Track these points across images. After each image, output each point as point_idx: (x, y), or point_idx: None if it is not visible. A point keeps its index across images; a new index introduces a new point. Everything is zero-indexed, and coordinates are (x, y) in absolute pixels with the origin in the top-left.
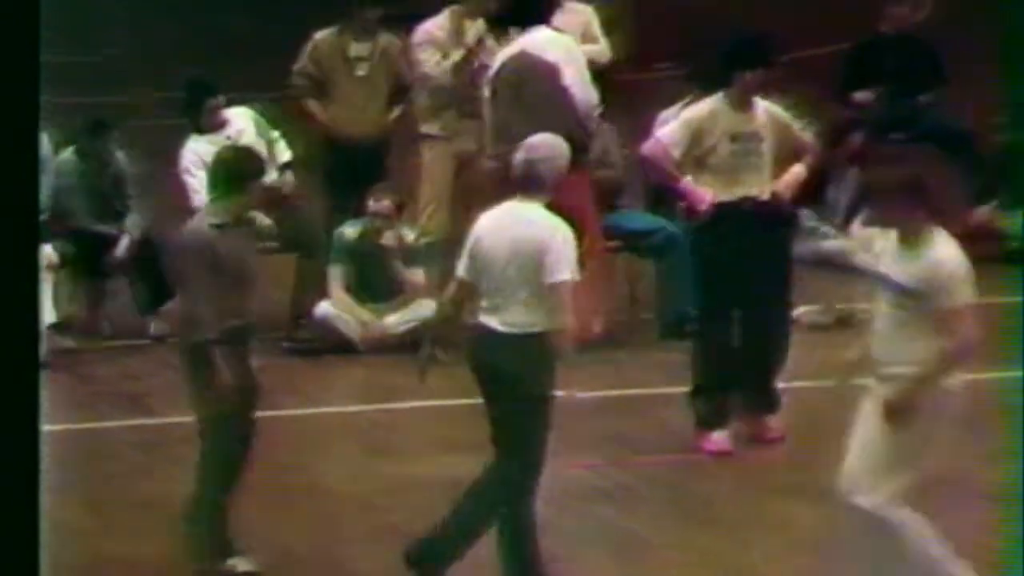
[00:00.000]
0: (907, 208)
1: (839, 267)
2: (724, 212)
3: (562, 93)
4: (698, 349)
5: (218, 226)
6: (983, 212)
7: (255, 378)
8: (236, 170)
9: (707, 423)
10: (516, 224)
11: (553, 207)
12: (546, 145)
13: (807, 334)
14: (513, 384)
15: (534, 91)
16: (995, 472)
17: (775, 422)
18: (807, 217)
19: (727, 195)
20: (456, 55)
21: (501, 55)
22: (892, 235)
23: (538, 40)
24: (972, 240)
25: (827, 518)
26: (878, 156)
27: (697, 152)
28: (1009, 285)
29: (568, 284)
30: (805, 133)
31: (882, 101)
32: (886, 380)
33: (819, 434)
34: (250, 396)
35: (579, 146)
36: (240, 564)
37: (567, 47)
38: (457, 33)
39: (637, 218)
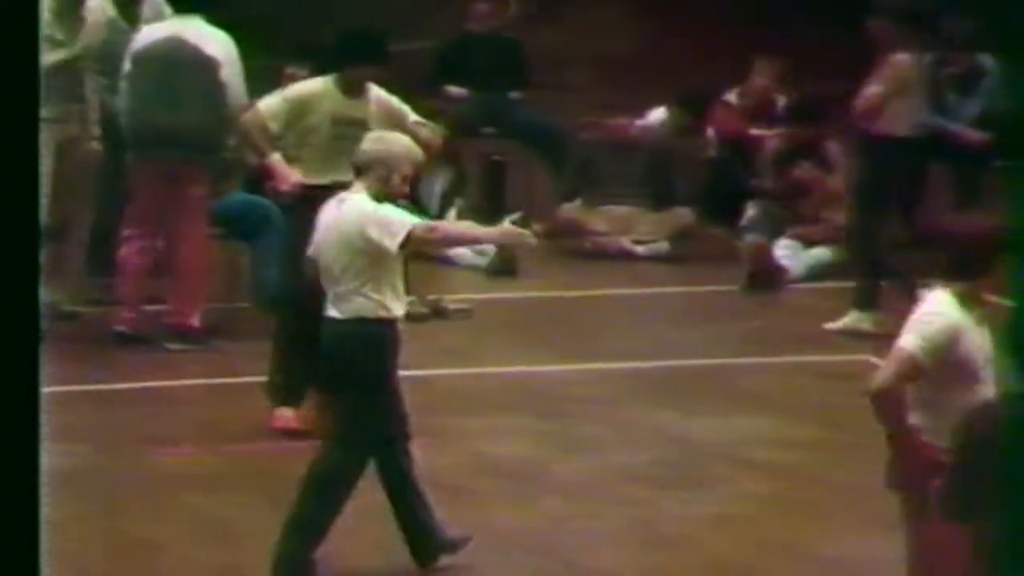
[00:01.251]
0: None
1: (433, 259)
2: (313, 194)
3: (218, 90)
4: (279, 329)
5: None
6: (569, 208)
7: None
8: None
9: (276, 400)
10: (340, 220)
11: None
12: (379, 136)
13: (402, 324)
14: (349, 371)
15: (188, 82)
16: (569, 464)
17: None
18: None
19: (321, 178)
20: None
21: (146, 35)
22: None
23: (198, 31)
24: (559, 236)
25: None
26: (468, 151)
27: (299, 128)
28: (591, 279)
29: (407, 237)
30: (423, 128)
31: (473, 97)
32: None
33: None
34: None
35: (218, 145)
36: None
37: (226, 44)
38: (63, 12)
39: (235, 200)
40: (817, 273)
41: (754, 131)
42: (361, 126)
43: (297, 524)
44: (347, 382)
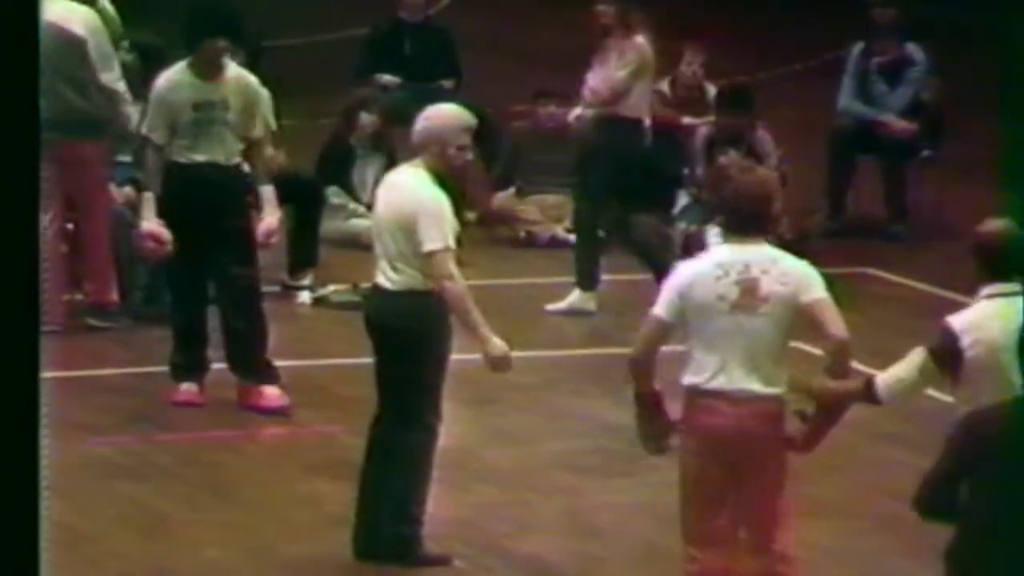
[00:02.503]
0: None
1: (366, 246)
2: (185, 177)
3: (88, 66)
4: (171, 309)
5: None
6: (502, 197)
7: None
8: None
9: (176, 375)
10: (395, 188)
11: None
12: (429, 113)
13: (337, 312)
14: (398, 339)
15: (60, 65)
16: (499, 451)
17: (273, 392)
18: (335, 195)
19: (187, 159)
20: None
21: None
22: None
23: (61, 11)
24: (492, 224)
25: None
26: (400, 139)
27: (170, 123)
28: (524, 267)
29: (437, 254)
30: (270, 119)
31: (405, 85)
32: None
33: (345, 412)
34: None
35: (96, 121)
36: None
37: (90, 20)
38: None
39: None
40: None
41: (685, 120)
42: (220, 108)
43: (393, 502)
44: (396, 353)
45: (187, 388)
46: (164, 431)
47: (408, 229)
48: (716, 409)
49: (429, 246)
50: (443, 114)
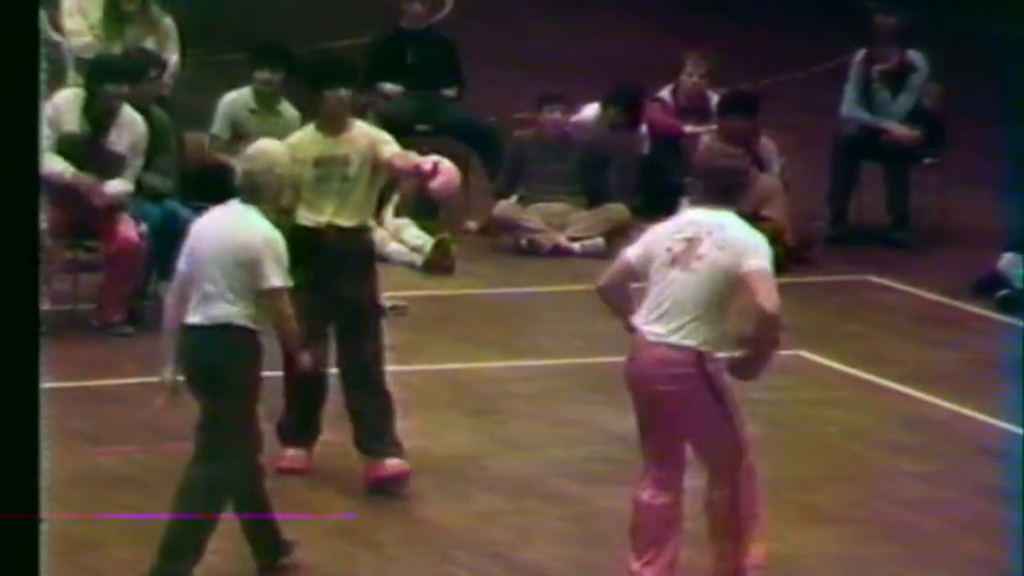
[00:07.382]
0: None
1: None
2: (304, 238)
3: None
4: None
5: None
6: (504, 206)
7: None
8: None
9: (284, 438)
10: (230, 227)
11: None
12: (264, 155)
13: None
14: (214, 378)
15: None
16: (504, 460)
17: (394, 462)
18: None
19: (311, 221)
20: None
21: None
22: None
23: None
24: (494, 232)
25: (358, 505)
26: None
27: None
28: (527, 276)
29: (281, 290)
30: (397, 155)
31: (407, 94)
32: None
33: (343, 421)
34: None
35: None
36: None
37: None
38: None
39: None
40: None
41: (688, 128)
42: (340, 163)
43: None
44: (215, 390)
45: (293, 454)
46: (168, 441)
47: (248, 265)
48: (638, 348)
49: (275, 282)
50: (280, 160)
